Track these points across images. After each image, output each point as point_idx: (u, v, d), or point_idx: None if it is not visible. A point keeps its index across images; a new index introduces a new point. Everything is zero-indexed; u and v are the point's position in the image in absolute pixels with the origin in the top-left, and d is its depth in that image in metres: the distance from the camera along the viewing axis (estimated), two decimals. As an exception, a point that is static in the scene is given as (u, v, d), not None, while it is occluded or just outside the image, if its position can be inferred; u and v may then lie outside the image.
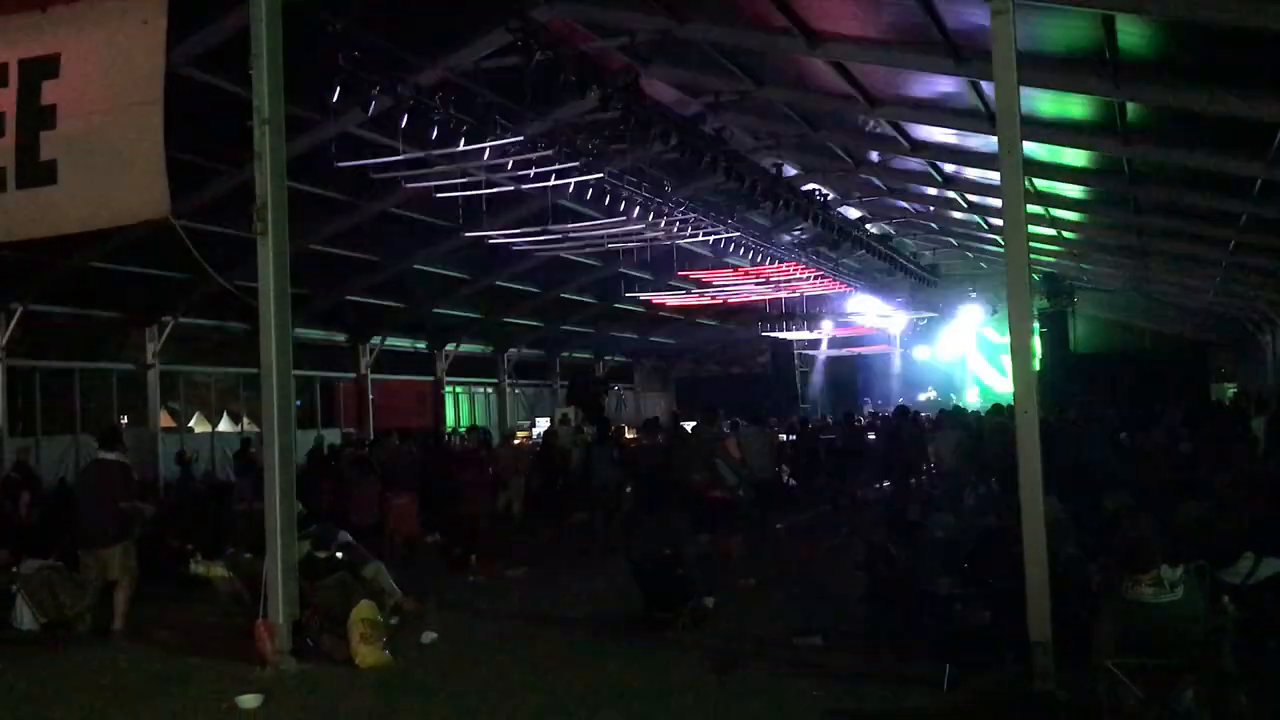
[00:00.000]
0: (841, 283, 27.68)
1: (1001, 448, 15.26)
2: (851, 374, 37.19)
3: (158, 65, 8.04)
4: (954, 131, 15.03)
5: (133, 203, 8.19)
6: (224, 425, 26.20)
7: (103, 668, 8.75)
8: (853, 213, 23.11)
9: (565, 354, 34.29)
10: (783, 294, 27.53)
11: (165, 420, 23.48)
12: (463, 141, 13.32)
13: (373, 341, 26.43)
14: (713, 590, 9.82)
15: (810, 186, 20.58)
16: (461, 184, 15.30)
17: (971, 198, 19.72)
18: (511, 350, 31.69)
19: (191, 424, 25.57)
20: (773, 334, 32.69)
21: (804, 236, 23.94)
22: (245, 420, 24.88)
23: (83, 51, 8.33)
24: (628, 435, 21.24)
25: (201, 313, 20.93)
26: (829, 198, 21.23)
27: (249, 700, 7.36)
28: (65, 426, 21.42)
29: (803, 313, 31.39)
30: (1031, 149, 13.80)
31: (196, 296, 19.61)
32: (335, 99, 11.80)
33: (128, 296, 20.10)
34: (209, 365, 24.59)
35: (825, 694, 7.32)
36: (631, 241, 18.96)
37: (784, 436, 21.17)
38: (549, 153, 14.15)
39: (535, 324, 30.13)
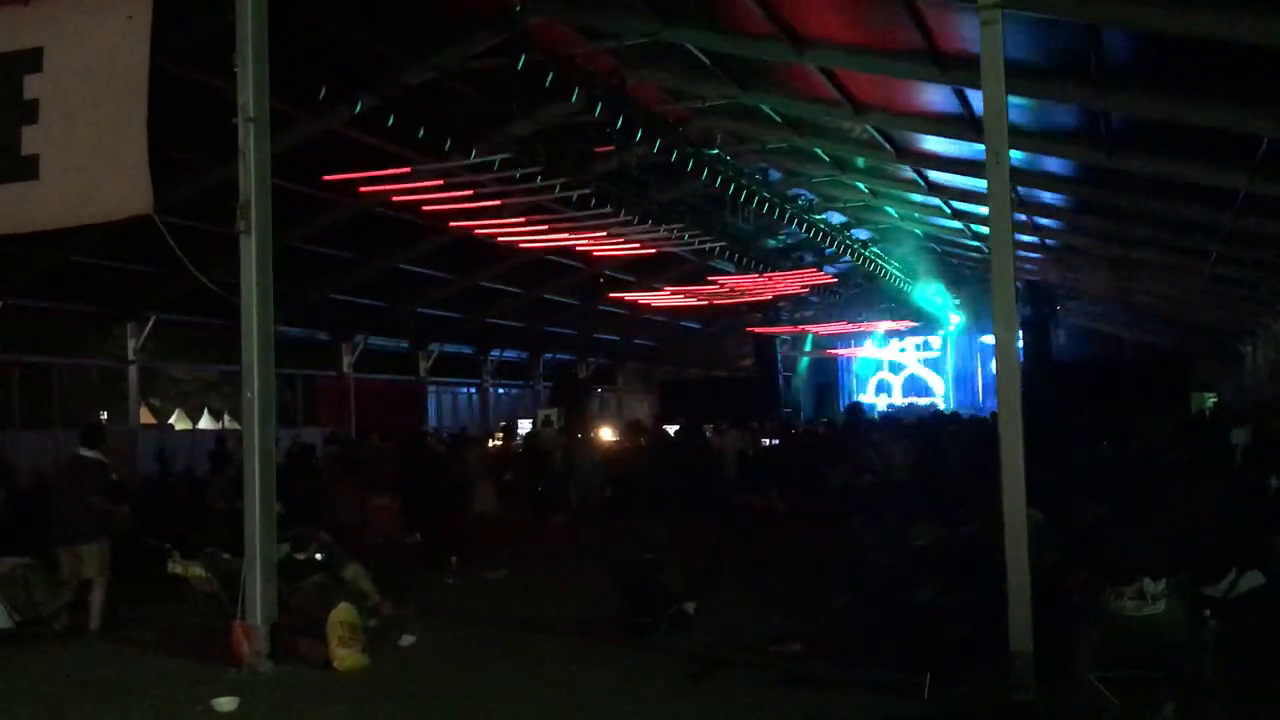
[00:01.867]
0: (823, 287, 27.78)
1: (959, 458, 15.36)
2: (834, 377, 37.30)
3: (142, 60, 7.97)
4: (939, 138, 15.06)
5: (116, 198, 8.12)
6: (205, 422, 26.10)
7: (77, 667, 8.69)
8: (836, 218, 23.19)
9: (549, 355, 34.21)
10: (767, 296, 27.59)
11: (146, 416, 23.37)
12: (448, 144, 13.32)
13: (355, 340, 26.29)
14: (693, 595, 9.80)
15: (795, 191, 20.63)
16: (447, 196, 15.34)
17: (956, 204, 19.78)
18: (494, 351, 31.60)
19: (172, 420, 25.48)
20: (758, 330, 32.80)
21: (788, 241, 23.96)
22: (226, 417, 24.77)
23: (66, 46, 8.26)
24: (610, 437, 21.21)
25: (183, 309, 20.72)
26: (814, 203, 21.27)
27: (225, 703, 7.29)
28: (44, 421, 21.28)
29: (787, 315, 31.47)
30: (1017, 156, 13.86)
31: (178, 293, 19.44)
32: (321, 97, 11.77)
33: (109, 291, 19.93)
34: (190, 362, 24.43)
35: (804, 702, 7.32)
36: (617, 247, 18.96)
37: (766, 441, 21.11)
38: (536, 168, 14.20)
39: (518, 324, 30.05)
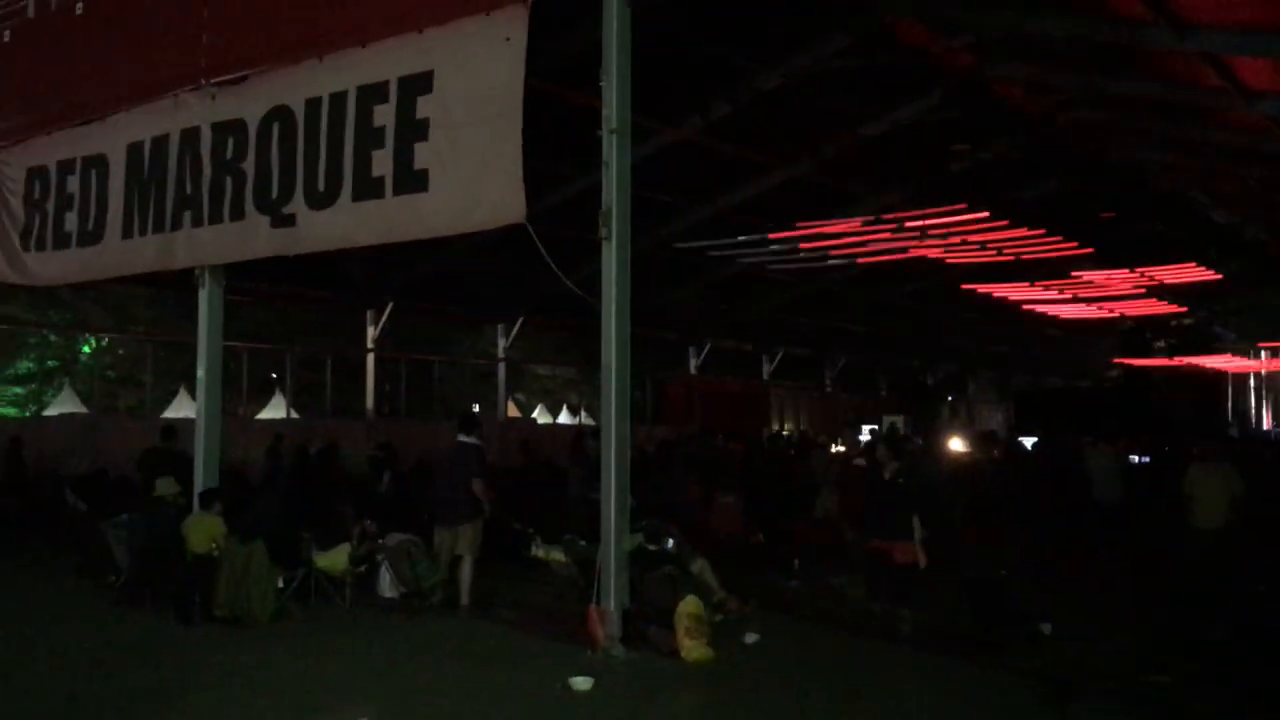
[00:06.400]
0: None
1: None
2: (1216, 390, 34.04)
3: (518, 79, 8.52)
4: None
5: (494, 208, 8.74)
6: (564, 417, 27.67)
7: (449, 637, 9.40)
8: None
9: (893, 359, 33.50)
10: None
11: (511, 410, 25.13)
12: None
13: (701, 342, 26.94)
14: (1048, 615, 9.27)
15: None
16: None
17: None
18: (836, 354, 31.38)
19: (535, 414, 27.22)
20: (1124, 360, 30.45)
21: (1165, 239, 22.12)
22: (584, 412, 26.17)
23: (453, 68, 9.00)
24: (960, 448, 20.43)
25: (547, 310, 22.07)
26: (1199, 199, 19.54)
27: (581, 682, 7.62)
28: (425, 411, 23.40)
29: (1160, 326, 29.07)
30: None
31: (541, 295, 20.72)
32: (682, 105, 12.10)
33: (481, 294, 21.58)
34: (552, 360, 26.09)
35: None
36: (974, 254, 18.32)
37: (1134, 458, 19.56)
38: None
39: (861, 329, 29.62)
